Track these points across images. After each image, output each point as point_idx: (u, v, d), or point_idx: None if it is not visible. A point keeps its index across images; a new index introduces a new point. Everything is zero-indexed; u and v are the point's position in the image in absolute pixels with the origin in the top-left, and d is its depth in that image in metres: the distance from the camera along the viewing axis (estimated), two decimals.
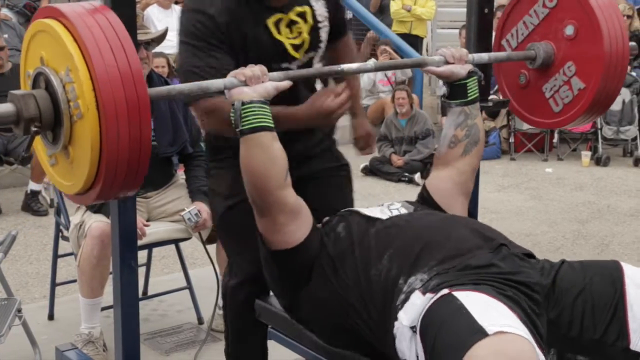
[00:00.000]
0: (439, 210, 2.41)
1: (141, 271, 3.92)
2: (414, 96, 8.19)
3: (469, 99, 2.45)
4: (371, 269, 2.10)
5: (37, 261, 5.04)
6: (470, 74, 2.45)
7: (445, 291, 1.91)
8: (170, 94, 2.16)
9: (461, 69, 2.44)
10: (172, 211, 3.65)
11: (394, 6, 9.65)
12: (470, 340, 1.72)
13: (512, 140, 8.24)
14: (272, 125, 2.10)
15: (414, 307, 1.95)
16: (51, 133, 1.95)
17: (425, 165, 7.40)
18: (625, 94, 8.33)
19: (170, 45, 9.14)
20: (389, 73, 8.90)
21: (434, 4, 9.83)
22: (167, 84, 3.68)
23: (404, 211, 2.34)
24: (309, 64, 2.60)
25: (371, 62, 2.42)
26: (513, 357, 1.70)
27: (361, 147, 3.05)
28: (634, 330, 1.97)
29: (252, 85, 2.09)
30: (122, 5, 2.14)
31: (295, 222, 2.16)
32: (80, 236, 3.42)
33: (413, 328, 1.93)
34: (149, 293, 4.08)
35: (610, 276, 2.05)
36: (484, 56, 2.66)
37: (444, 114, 8.60)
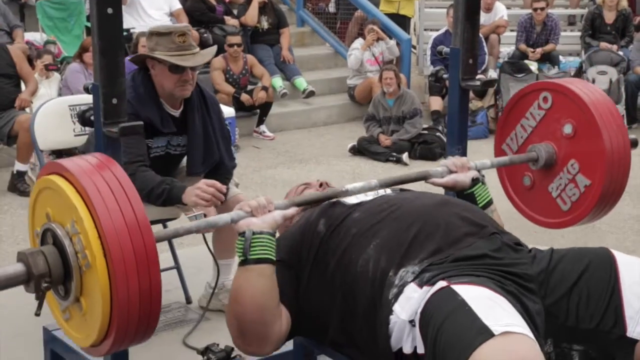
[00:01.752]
0: None
1: None
2: (402, 76, 8.18)
3: (480, 206, 2.46)
4: (357, 257, 2.09)
5: (23, 242, 5.01)
6: (474, 182, 2.47)
7: (443, 283, 1.90)
8: (177, 233, 2.16)
9: (465, 178, 2.47)
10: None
11: None
12: (476, 340, 1.71)
13: None
14: (275, 259, 2.09)
15: (410, 300, 1.94)
16: (62, 287, 1.94)
17: (413, 145, 7.41)
18: (612, 73, 8.34)
19: (158, 25, 8.97)
20: (377, 52, 8.88)
21: None
22: (202, 95, 3.50)
23: (389, 191, 2.32)
24: None
25: (375, 181, 2.39)
26: (520, 358, 1.69)
27: None
28: (630, 318, 1.98)
29: (259, 216, 2.09)
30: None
31: (278, 346, 2.16)
32: None
33: (412, 322, 1.92)
34: None
35: (603, 264, 2.06)
36: (486, 162, 2.69)
37: (431, 93, 8.61)
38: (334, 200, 2.32)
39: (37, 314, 1.97)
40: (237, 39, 8.07)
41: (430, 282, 1.93)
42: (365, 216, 2.19)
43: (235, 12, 9.11)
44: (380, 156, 7.32)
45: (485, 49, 8.62)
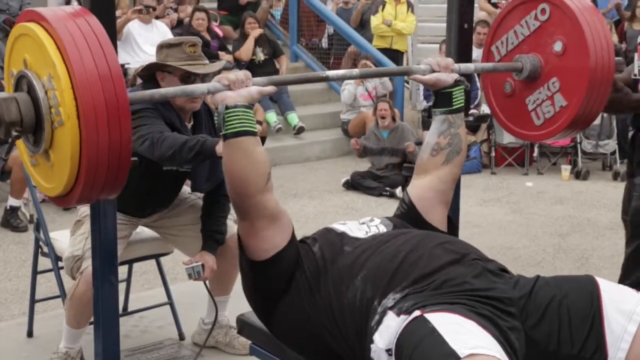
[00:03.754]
0: (419, 218, 2.41)
1: (122, 287, 3.90)
2: (395, 110, 8.21)
3: (454, 107, 2.47)
4: (345, 289, 2.09)
5: (16, 277, 4.99)
6: (456, 83, 2.46)
7: (417, 313, 1.92)
8: (153, 97, 2.19)
9: (447, 77, 2.45)
10: (183, 223, 3.62)
11: (374, 21, 9.70)
12: None
13: (492, 154, 8.28)
14: (255, 130, 2.11)
15: (389, 329, 1.95)
16: (32, 136, 1.97)
17: (406, 179, 7.42)
18: None
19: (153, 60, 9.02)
20: (370, 87, 8.93)
21: (414, 18, 9.88)
22: (209, 112, 3.50)
23: (382, 229, 2.32)
24: None
25: (356, 70, 2.42)
26: None
27: None
28: (611, 344, 1.97)
29: (235, 90, 2.10)
30: (101, 12, 2.12)
31: (273, 228, 2.14)
32: (74, 268, 3.34)
33: (389, 351, 1.93)
34: (130, 309, 4.05)
35: (585, 290, 2.06)
36: (470, 66, 2.67)
37: (425, 128, 8.64)
38: (330, 228, 2.32)
39: (4, 159, 1.99)
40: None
41: (408, 311, 1.95)
42: (356, 249, 2.19)
43: (230, 47, 9.16)
44: (373, 191, 7.33)
45: (478, 84, 8.67)
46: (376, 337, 1.97)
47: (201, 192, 3.53)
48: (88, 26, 1.89)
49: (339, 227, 2.32)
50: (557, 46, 2.64)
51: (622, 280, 3.10)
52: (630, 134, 3.26)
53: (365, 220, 2.39)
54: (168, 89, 2.21)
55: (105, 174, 1.89)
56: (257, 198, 2.10)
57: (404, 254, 2.12)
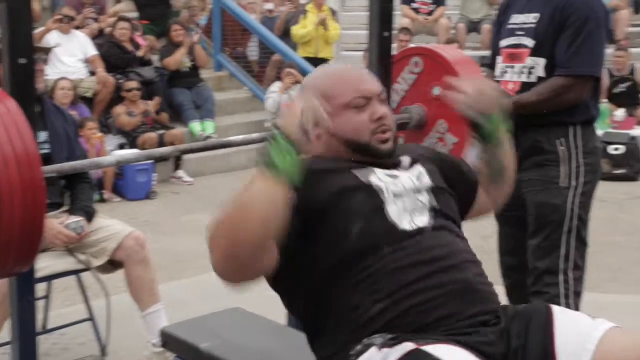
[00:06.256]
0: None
1: (41, 304, 3.79)
2: None
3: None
4: (359, 301, 1.89)
5: None
6: None
7: (410, 345, 1.75)
8: (62, 169, 2.35)
9: None
10: None
11: (296, 31, 9.69)
12: None
13: None
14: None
15: None
16: None
17: None
18: None
19: (72, 72, 8.96)
20: (294, 95, 8.94)
21: (338, 26, 9.93)
22: (56, 107, 3.69)
23: (426, 222, 2.00)
24: None
25: (256, 134, 2.86)
26: None
27: None
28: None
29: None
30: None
31: (264, 261, 1.93)
32: None
33: None
34: (50, 326, 3.94)
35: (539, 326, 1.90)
36: None
37: None
38: (381, 208, 1.96)
39: None
40: (134, 84, 8.09)
41: (390, 345, 1.79)
42: (393, 256, 1.92)
43: (152, 57, 9.05)
44: None
45: None
46: None
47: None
48: (6, 110, 1.92)
49: (388, 213, 1.97)
50: (436, 90, 2.83)
51: (533, 270, 3.14)
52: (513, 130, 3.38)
53: (411, 207, 2.00)
54: (77, 162, 2.55)
55: (17, 246, 1.90)
56: (266, 253, 1.92)
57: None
